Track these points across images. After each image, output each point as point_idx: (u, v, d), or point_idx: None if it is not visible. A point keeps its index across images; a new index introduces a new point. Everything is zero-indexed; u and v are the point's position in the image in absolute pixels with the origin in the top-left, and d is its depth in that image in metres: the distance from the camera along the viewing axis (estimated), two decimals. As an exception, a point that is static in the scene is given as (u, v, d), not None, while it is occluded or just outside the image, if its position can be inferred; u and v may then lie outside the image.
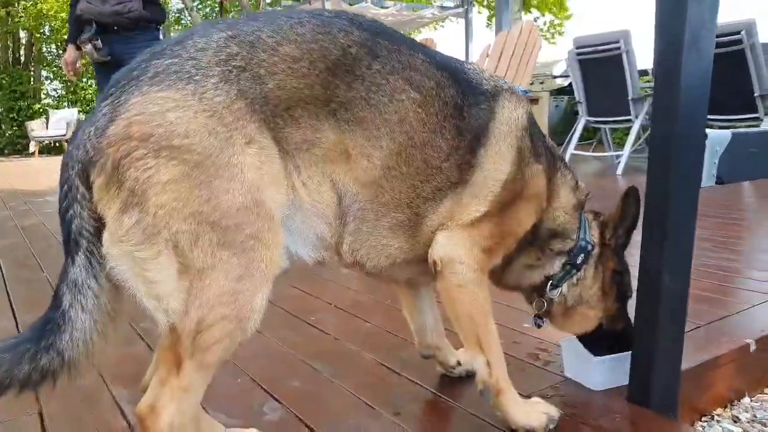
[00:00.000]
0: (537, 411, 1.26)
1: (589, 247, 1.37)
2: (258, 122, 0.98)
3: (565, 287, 1.38)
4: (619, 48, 5.81)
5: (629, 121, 6.03)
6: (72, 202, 0.94)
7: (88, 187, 0.93)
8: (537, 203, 1.28)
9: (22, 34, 15.09)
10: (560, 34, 16.80)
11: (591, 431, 1.28)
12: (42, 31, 14.44)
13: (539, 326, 1.46)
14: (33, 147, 13.84)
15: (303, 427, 1.32)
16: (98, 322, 0.95)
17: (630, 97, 5.87)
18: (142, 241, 0.91)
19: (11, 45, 15.09)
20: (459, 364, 1.54)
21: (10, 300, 2.40)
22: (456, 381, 1.54)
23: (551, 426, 1.26)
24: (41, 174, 8.73)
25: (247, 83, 0.97)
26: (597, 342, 1.43)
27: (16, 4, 13.91)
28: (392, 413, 1.37)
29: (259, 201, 0.96)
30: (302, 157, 1.04)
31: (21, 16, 13.65)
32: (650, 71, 8.14)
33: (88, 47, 3.48)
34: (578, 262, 1.36)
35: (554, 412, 1.28)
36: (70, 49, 3.59)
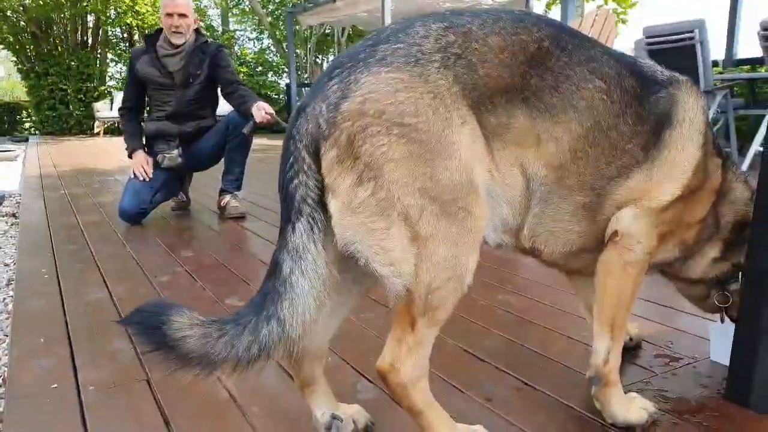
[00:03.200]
0: (636, 407, 1.26)
1: None
2: (467, 106, 1.04)
3: None
4: (693, 38, 5.58)
5: (699, 113, 5.80)
6: (297, 172, 1.00)
7: (316, 158, 0.99)
8: (712, 197, 1.31)
9: (89, 17, 15.65)
10: (623, 22, 16.23)
11: (693, 429, 1.27)
12: (108, 14, 14.93)
13: (737, 320, 1.43)
14: (98, 127, 14.45)
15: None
16: (315, 288, 0.99)
17: (702, 89, 5.65)
18: (376, 213, 0.98)
19: (79, 28, 15.68)
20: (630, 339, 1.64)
21: (101, 273, 2.55)
22: (542, 370, 1.55)
23: (650, 421, 1.26)
24: (107, 153, 9.11)
25: (461, 69, 1.03)
26: None
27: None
28: (484, 399, 1.40)
29: (470, 178, 1.03)
30: (495, 140, 1.10)
31: (89, 0, 14.15)
32: (720, 62, 7.82)
33: (166, 162, 3.68)
34: None
35: (652, 408, 1.28)
36: (142, 155, 3.70)
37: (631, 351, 1.63)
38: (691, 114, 1.22)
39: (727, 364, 1.45)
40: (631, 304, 1.26)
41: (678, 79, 1.26)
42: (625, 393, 1.30)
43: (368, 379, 1.50)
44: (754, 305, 1.30)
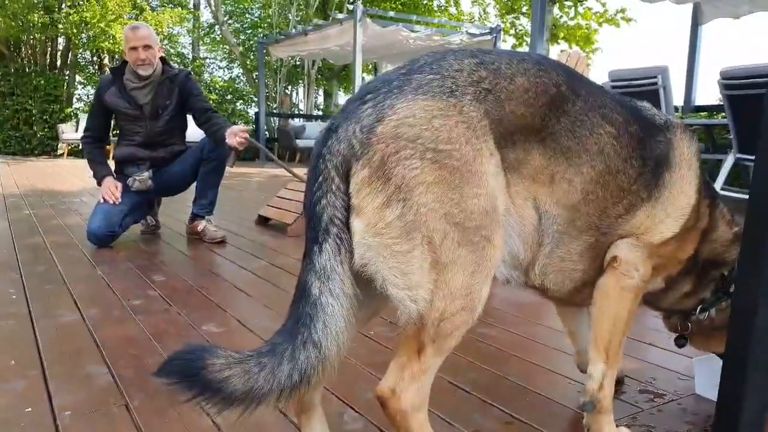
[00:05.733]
0: (627, 440, 1.28)
1: None
2: (493, 139, 1.06)
3: (713, 311, 1.45)
4: (656, 83, 5.86)
5: (662, 157, 6.03)
6: (326, 192, 0.99)
7: (345, 178, 0.99)
8: (700, 236, 1.36)
9: (60, 39, 15.43)
10: (587, 66, 17.01)
11: (678, 461, 1.29)
12: (80, 38, 14.75)
13: (682, 346, 1.55)
14: (62, 149, 14.12)
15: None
16: (345, 308, 0.98)
17: (665, 133, 5.89)
18: (401, 235, 0.98)
19: (49, 50, 15.43)
20: None
21: (72, 295, 2.46)
22: (528, 404, 1.55)
23: (639, 454, 1.27)
24: (72, 175, 8.89)
25: (491, 104, 1.06)
26: None
27: (59, 11, 14.25)
28: (472, 431, 1.39)
29: (495, 207, 1.05)
30: (512, 174, 1.12)
31: (63, 23, 13.94)
32: (680, 108, 8.20)
33: (136, 184, 3.63)
34: (731, 290, 1.41)
35: (641, 441, 1.29)
36: (111, 181, 3.64)
37: (616, 386, 1.64)
38: (688, 157, 1.28)
39: (711, 398, 1.48)
40: (626, 330, 1.29)
41: (673, 123, 1.32)
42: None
43: (354, 410, 1.47)
44: (740, 345, 1.32)
